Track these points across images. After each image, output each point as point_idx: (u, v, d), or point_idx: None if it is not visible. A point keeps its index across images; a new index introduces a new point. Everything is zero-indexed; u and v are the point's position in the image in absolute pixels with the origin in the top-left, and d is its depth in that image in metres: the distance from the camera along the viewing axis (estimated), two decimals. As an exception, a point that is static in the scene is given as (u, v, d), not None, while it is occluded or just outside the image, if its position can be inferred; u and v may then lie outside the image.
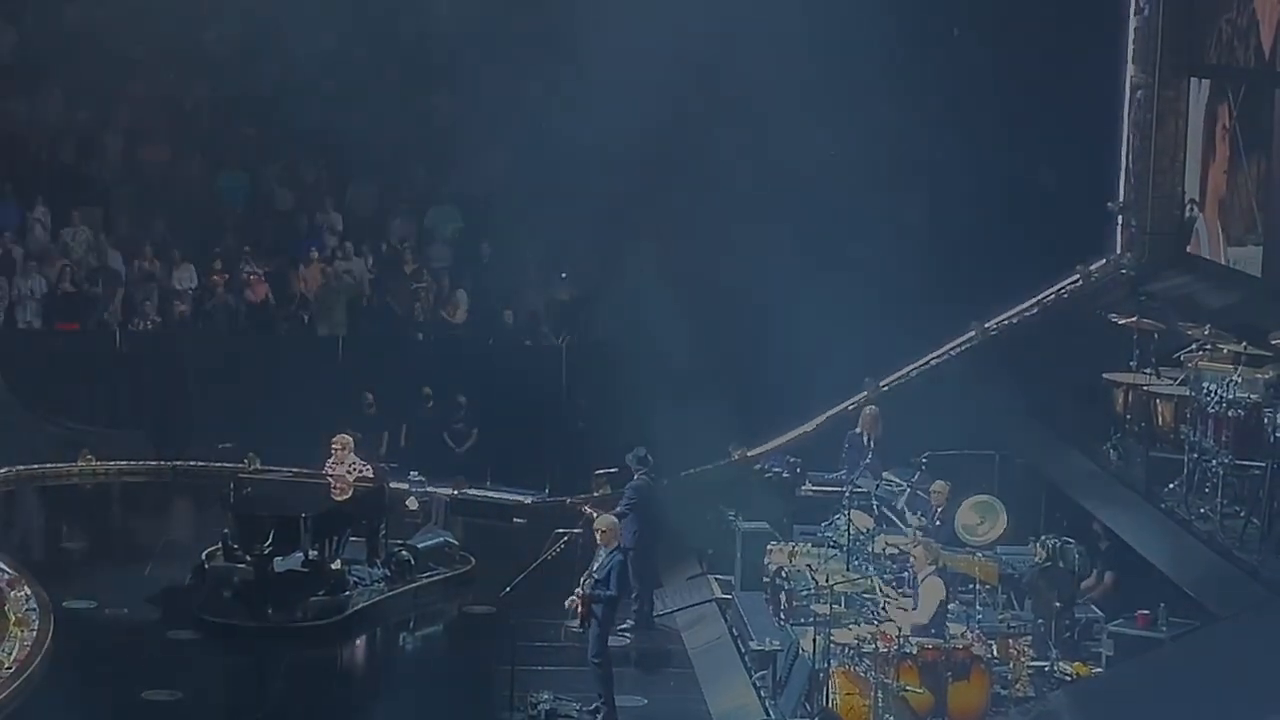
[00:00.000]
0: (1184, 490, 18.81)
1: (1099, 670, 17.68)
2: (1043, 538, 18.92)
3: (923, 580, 17.46)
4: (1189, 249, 25.14)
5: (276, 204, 29.01)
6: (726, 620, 20.62)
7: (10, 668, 18.50)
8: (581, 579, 17.97)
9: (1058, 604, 18.28)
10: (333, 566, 21.04)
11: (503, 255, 28.28)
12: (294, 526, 20.86)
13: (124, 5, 28.33)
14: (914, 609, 17.46)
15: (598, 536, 18.16)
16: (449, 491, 24.52)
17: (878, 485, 20.59)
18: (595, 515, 19.28)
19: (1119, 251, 26.26)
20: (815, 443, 24.06)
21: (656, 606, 21.22)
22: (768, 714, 17.87)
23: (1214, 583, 17.55)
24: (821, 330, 22.04)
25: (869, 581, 18.60)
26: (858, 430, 22.19)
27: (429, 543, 22.36)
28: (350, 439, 22.11)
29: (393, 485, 23.00)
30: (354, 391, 25.51)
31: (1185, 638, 16.89)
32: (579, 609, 17.85)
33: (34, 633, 19.41)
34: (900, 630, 16.89)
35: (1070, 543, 18.81)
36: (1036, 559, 18.79)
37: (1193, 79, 25.07)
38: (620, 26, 24.38)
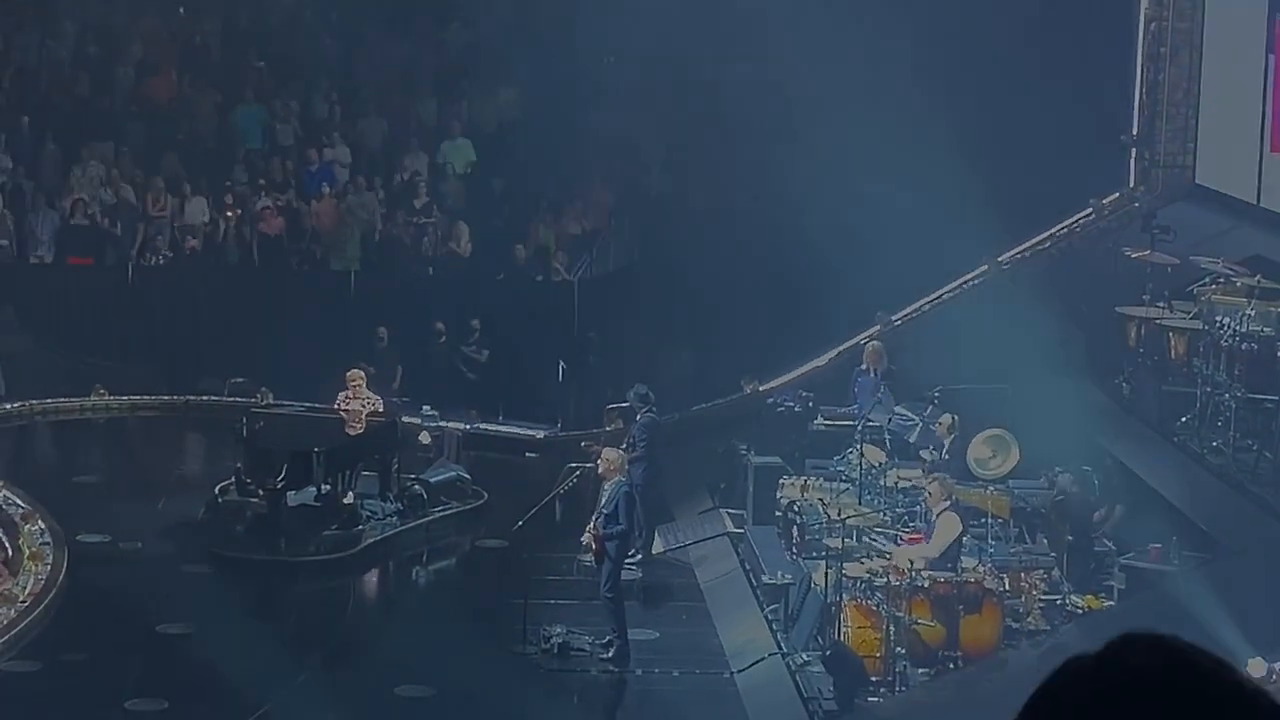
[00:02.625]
0: (1196, 424, 18.79)
1: (1111, 603, 17.70)
2: (1057, 470, 18.90)
3: (938, 515, 17.43)
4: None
5: (287, 138, 28.91)
6: (739, 554, 20.63)
7: (24, 601, 18.58)
8: (593, 518, 18.01)
9: (1070, 537, 18.29)
10: (345, 501, 21.08)
11: (515, 189, 28.20)
12: (307, 461, 20.89)
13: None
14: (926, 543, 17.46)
15: (601, 468, 18.18)
16: (461, 426, 24.51)
17: (890, 420, 20.56)
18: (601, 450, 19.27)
19: (1132, 185, 26.16)
20: (828, 377, 24.02)
21: (668, 541, 21.25)
22: (780, 647, 17.90)
23: (1226, 516, 17.58)
24: (834, 263, 21.96)
25: (879, 516, 18.64)
26: (863, 366, 22.15)
27: (441, 477, 22.36)
28: (362, 373, 22.12)
29: (405, 420, 23.01)
30: (366, 326, 25.46)
31: (1197, 571, 16.89)
32: (593, 547, 17.89)
33: (48, 566, 19.47)
34: (911, 564, 16.90)
35: (1089, 470, 18.79)
36: (1050, 492, 18.78)
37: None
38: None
